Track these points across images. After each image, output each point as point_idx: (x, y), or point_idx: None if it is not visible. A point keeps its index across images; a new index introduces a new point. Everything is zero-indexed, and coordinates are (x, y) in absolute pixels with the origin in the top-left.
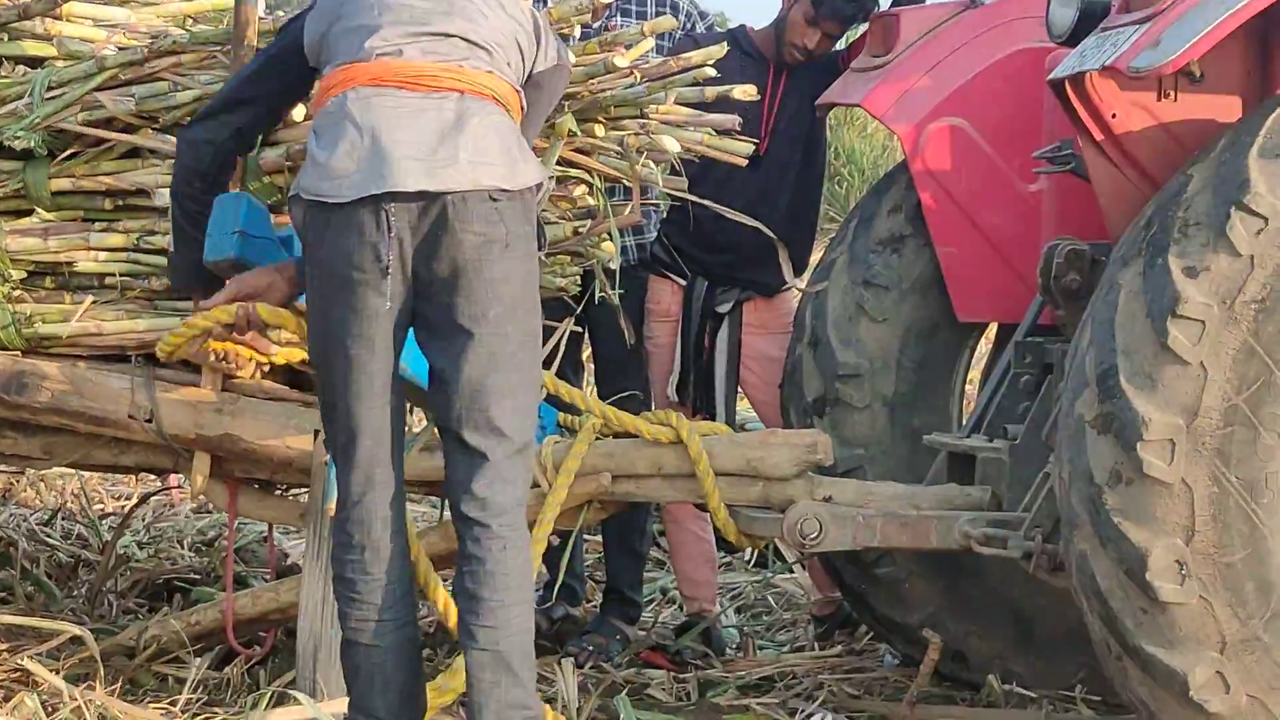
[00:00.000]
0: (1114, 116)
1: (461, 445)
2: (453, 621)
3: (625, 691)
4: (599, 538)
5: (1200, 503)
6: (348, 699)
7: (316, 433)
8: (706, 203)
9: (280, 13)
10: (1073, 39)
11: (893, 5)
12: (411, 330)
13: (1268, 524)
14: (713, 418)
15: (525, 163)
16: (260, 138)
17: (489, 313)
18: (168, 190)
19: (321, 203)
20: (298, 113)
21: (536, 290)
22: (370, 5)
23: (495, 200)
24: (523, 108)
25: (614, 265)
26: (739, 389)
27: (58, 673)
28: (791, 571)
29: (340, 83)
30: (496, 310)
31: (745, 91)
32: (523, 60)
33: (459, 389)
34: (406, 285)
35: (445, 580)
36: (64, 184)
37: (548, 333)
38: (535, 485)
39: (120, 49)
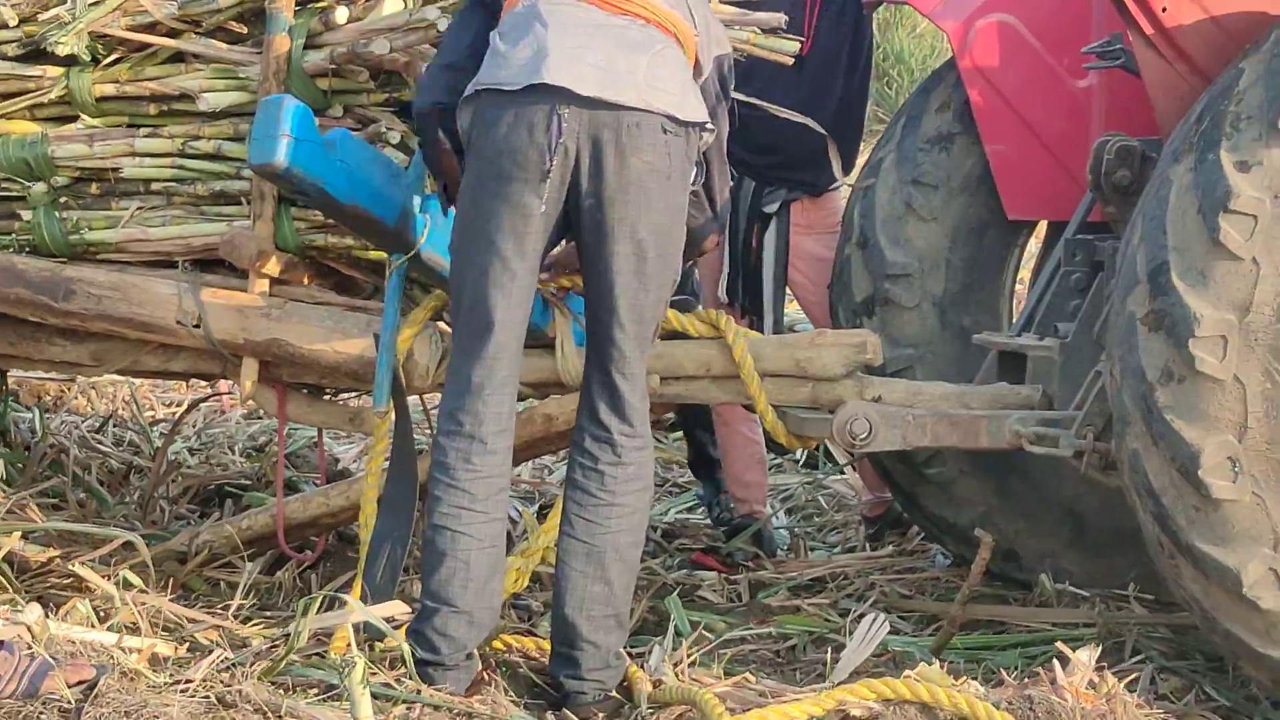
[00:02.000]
0: (1164, 10)
1: (594, 357)
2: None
3: (676, 593)
4: None
5: (1253, 399)
6: (422, 585)
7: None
8: (755, 101)
9: None
10: None
11: None
12: None
13: None
14: (761, 318)
15: (696, 98)
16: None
17: (638, 236)
18: (212, 95)
19: (494, 95)
20: (341, 14)
21: (683, 225)
22: None
23: (666, 131)
24: (699, 61)
25: None
26: (788, 289)
27: (109, 578)
28: (842, 473)
29: None
30: (645, 235)
31: None
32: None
33: (599, 301)
34: (564, 193)
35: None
36: (108, 89)
37: None
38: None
39: None
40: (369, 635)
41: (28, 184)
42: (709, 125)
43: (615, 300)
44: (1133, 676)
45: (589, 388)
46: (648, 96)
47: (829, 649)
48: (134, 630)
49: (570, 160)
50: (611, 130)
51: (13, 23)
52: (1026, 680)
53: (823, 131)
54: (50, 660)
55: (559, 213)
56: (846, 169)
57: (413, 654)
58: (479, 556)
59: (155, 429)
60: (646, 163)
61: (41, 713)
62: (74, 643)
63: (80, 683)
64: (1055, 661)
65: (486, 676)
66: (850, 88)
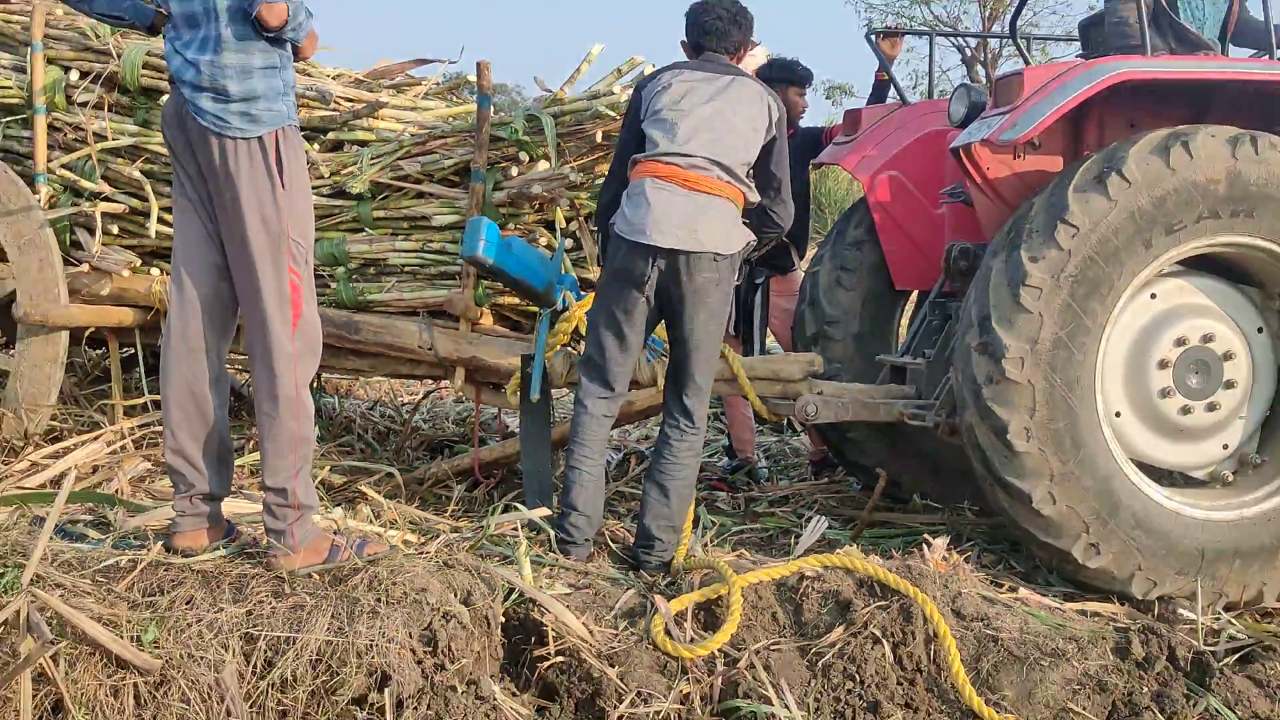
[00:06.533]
0: (989, 169)
1: (673, 382)
2: None
3: (702, 505)
4: None
5: (1039, 394)
6: (560, 497)
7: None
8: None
9: (500, 112)
10: (964, 123)
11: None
12: None
13: (1077, 406)
14: (752, 345)
15: (738, 237)
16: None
17: (699, 316)
18: (439, 217)
19: (620, 239)
20: (513, 170)
21: (727, 308)
22: (669, 116)
23: (716, 260)
24: (745, 197)
25: None
26: (768, 328)
27: (380, 494)
28: (798, 435)
29: (643, 171)
30: (703, 317)
31: None
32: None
33: (680, 357)
34: (656, 294)
35: None
36: (380, 213)
37: None
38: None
39: (412, 135)
40: (531, 529)
41: (334, 267)
42: (753, 240)
43: (690, 349)
44: (967, 554)
45: (669, 397)
46: (704, 242)
47: (792, 537)
48: (393, 525)
49: (661, 276)
50: (684, 261)
51: (326, 174)
52: (907, 556)
53: (787, 241)
54: (364, 540)
55: (656, 304)
56: (801, 257)
57: (555, 537)
58: (590, 480)
59: (404, 407)
60: (705, 277)
61: (359, 565)
62: (362, 531)
63: (378, 551)
64: (923, 545)
65: (596, 553)
66: (803, 215)
